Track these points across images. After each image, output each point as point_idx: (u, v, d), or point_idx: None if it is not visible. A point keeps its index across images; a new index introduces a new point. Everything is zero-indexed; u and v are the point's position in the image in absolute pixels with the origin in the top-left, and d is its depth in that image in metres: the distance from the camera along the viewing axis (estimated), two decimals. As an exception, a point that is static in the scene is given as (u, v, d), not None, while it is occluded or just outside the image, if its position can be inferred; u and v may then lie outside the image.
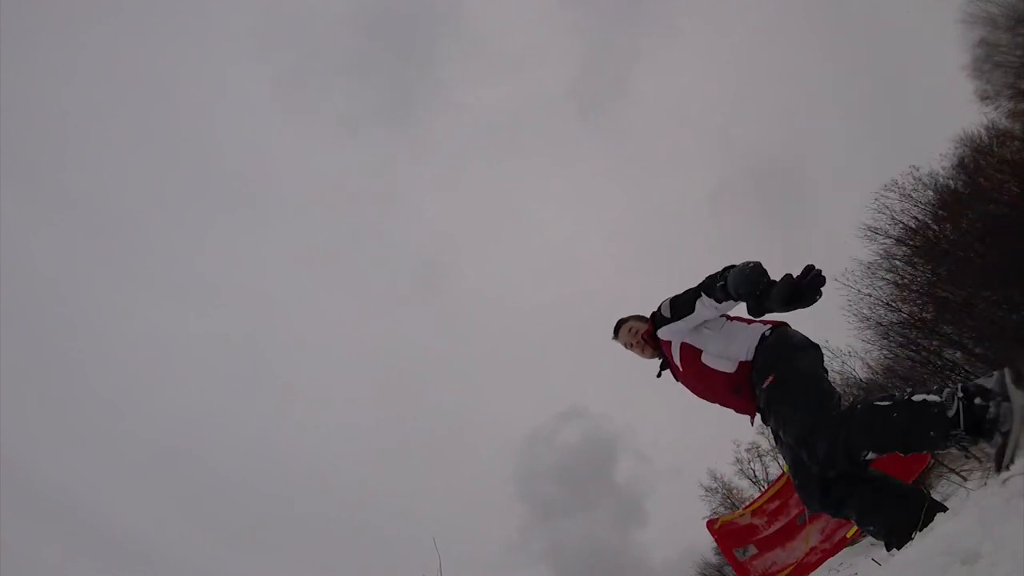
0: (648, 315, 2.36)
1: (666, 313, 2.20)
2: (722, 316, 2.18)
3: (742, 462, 25.15)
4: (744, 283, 1.91)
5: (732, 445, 25.42)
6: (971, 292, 14.95)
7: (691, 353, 2.17)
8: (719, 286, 1.99)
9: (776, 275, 1.94)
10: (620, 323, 2.49)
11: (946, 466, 16.36)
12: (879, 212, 17.63)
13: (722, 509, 25.88)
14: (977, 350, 16.33)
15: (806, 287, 1.87)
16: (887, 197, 17.61)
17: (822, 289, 1.89)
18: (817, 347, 2.07)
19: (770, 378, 1.95)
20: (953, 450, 16.37)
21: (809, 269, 1.88)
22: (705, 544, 27.26)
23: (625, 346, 2.44)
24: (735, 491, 25.82)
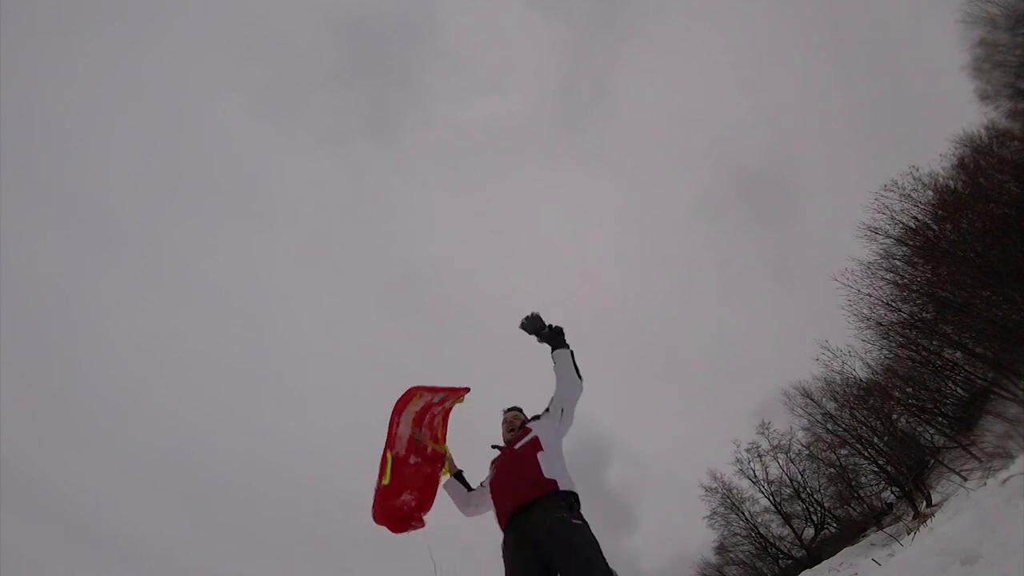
0: (521, 409, 3.10)
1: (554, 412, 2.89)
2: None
3: (742, 462, 25.11)
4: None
5: (732, 445, 25.39)
6: (971, 292, 14.95)
7: (534, 445, 2.69)
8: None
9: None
10: (511, 409, 3.13)
11: (946, 466, 16.38)
12: (879, 212, 17.63)
13: (722, 508, 25.89)
14: (977, 350, 16.33)
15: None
16: (887, 197, 17.59)
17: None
18: None
19: (578, 521, 2.43)
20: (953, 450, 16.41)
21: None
22: (699, 547, 27.27)
23: (504, 421, 3.06)
24: (735, 491, 25.78)
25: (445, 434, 3.20)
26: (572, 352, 2.92)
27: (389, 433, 3.01)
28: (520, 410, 3.09)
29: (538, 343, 2.98)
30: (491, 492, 2.73)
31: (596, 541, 2.38)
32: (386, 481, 2.93)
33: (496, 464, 2.84)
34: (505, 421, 3.05)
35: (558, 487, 2.51)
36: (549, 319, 3.03)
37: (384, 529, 2.95)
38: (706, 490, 25.98)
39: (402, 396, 3.06)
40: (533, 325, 2.98)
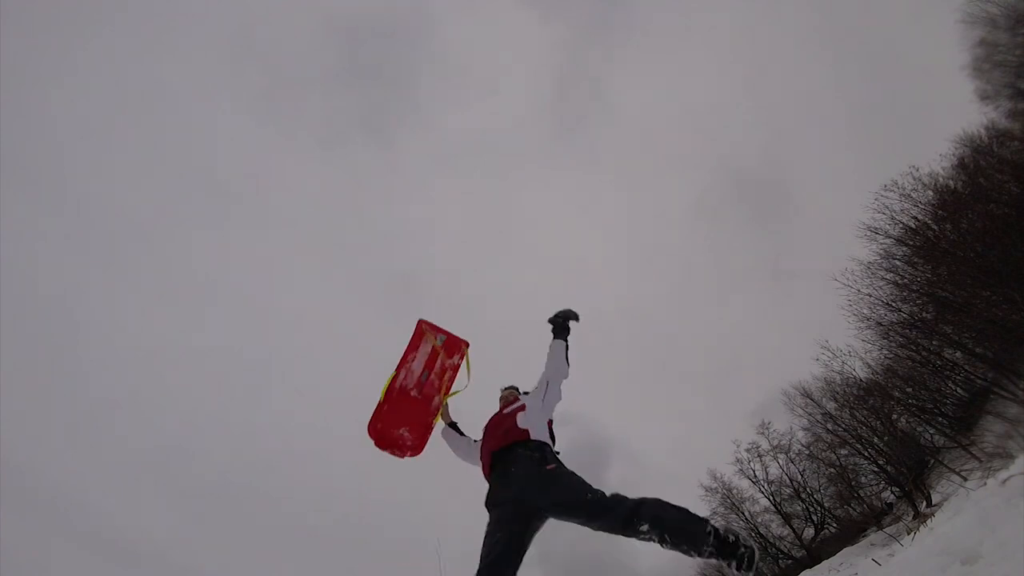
0: (517, 388, 3.32)
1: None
2: (549, 414, 2.99)
3: (742, 462, 25.07)
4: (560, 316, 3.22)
5: (732, 445, 25.35)
6: (971, 292, 14.94)
7: (519, 408, 2.94)
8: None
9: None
10: (508, 388, 3.33)
11: (946, 466, 16.38)
12: (879, 212, 17.58)
13: (722, 509, 25.87)
14: (977, 350, 16.32)
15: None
16: (887, 197, 17.53)
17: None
18: None
19: (552, 465, 2.61)
20: (953, 450, 16.40)
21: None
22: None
23: (501, 399, 3.26)
24: (735, 491, 25.76)
25: (450, 389, 3.41)
26: (568, 346, 3.18)
27: (402, 360, 3.29)
28: (516, 388, 3.34)
29: (548, 321, 3.22)
30: (480, 449, 2.97)
31: (573, 473, 2.57)
32: (381, 397, 3.19)
33: (486, 425, 3.08)
34: (502, 398, 3.28)
35: (529, 435, 2.74)
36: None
37: (371, 442, 3.18)
38: (706, 490, 25.92)
39: (416, 330, 3.34)
40: (565, 313, 3.23)
